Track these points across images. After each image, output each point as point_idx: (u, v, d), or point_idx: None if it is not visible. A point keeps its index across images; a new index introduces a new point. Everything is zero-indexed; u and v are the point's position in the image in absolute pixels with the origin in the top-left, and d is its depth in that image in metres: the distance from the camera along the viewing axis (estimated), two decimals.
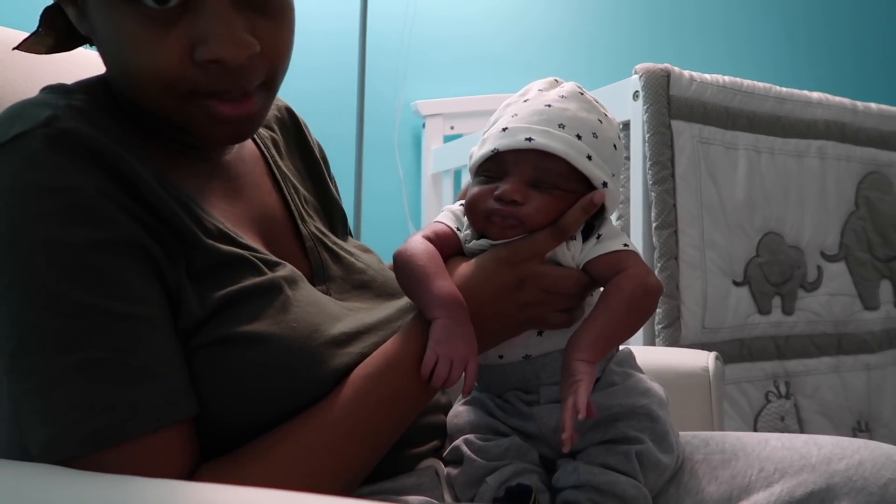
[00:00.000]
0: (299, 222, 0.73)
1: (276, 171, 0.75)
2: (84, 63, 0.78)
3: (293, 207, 0.74)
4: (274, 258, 0.64)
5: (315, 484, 0.56)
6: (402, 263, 0.67)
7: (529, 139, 0.66)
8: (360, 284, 0.73)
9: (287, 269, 0.63)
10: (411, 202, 2.24)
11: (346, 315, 0.66)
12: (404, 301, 0.72)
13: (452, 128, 2.23)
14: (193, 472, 0.56)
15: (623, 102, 1.45)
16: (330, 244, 0.75)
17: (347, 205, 1.83)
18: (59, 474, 0.49)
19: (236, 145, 0.72)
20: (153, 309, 0.55)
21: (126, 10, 0.55)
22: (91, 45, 0.67)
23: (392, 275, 0.74)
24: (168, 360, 0.55)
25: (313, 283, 0.69)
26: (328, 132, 2.11)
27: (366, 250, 0.81)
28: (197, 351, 0.57)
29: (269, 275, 0.61)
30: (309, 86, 2.03)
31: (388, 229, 2.13)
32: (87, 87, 0.63)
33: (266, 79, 0.60)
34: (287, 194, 0.74)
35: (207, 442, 0.57)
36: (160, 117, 0.61)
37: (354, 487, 0.62)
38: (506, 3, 2.39)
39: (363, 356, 0.63)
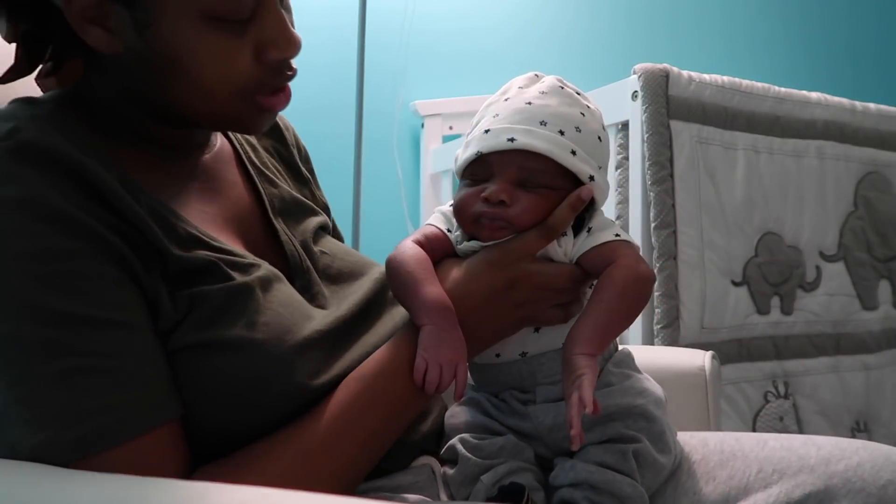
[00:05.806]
0: (272, 217, 0.73)
1: (249, 166, 0.75)
2: None
3: (267, 203, 0.73)
4: (250, 259, 0.64)
5: (312, 486, 0.56)
6: (393, 270, 0.68)
7: (512, 139, 0.65)
8: (334, 276, 0.73)
9: (262, 270, 0.63)
10: (410, 202, 2.24)
11: (318, 312, 0.66)
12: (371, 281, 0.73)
13: (451, 128, 2.23)
14: (185, 473, 0.56)
15: (622, 102, 1.45)
16: (306, 238, 0.74)
17: (346, 205, 1.84)
18: (57, 474, 0.49)
19: (214, 144, 0.74)
20: (132, 313, 0.55)
21: (206, 27, 0.58)
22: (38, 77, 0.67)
23: (357, 258, 0.77)
24: (150, 363, 0.55)
25: (291, 278, 0.68)
26: (327, 131, 2.11)
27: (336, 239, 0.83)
28: (174, 354, 0.57)
29: (239, 279, 0.60)
30: (308, 84, 2.02)
31: (387, 229, 2.13)
32: (56, 97, 0.63)
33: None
34: (262, 189, 0.74)
35: (198, 448, 0.57)
36: (188, 120, 0.64)
37: (352, 488, 0.62)
38: (505, 2, 2.38)
39: (335, 356, 0.63)
